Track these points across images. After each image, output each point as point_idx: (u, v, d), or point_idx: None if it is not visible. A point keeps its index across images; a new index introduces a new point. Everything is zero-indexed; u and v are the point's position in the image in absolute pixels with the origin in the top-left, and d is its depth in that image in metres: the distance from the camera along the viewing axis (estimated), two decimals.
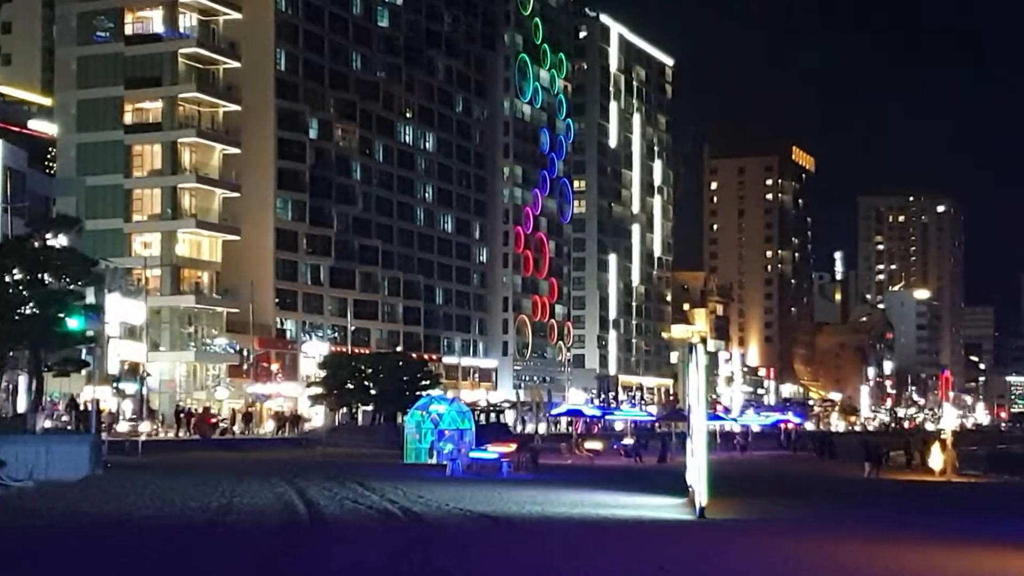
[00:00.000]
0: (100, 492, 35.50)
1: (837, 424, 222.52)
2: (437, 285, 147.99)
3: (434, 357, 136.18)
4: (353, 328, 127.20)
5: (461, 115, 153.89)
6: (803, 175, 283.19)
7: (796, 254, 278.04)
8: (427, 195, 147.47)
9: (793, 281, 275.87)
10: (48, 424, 62.27)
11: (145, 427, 77.15)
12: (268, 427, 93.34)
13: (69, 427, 66.62)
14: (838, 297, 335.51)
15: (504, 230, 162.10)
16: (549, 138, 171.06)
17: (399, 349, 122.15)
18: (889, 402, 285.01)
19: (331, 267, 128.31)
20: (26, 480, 37.21)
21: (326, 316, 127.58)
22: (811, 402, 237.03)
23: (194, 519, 28.63)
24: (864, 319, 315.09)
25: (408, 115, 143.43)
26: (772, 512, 34.76)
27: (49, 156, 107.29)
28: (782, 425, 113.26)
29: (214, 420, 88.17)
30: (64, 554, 22.61)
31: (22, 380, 65.65)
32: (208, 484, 38.95)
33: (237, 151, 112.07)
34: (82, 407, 74.65)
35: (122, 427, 75.35)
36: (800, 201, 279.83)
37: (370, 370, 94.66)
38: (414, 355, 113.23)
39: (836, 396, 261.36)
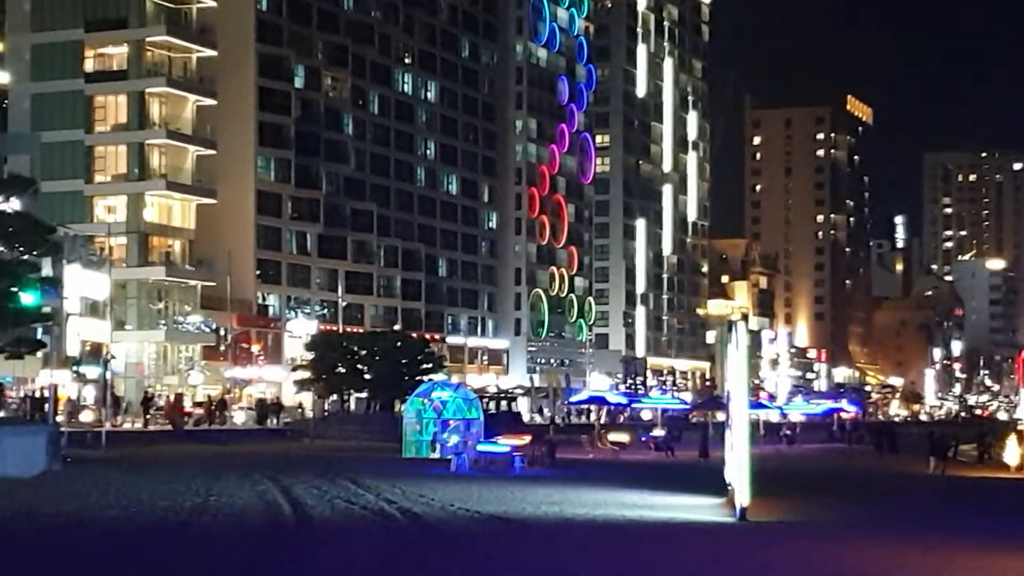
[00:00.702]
0: (58, 490, 35.65)
1: (898, 413, 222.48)
2: (440, 255, 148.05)
3: (437, 337, 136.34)
4: (345, 304, 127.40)
5: (467, 61, 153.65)
6: (859, 128, 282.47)
7: (851, 219, 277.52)
8: (429, 152, 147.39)
9: (847, 249, 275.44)
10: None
11: (102, 417, 77.23)
12: (239, 418, 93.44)
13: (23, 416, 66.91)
14: (899, 268, 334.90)
15: (516, 192, 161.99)
16: (568, 87, 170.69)
17: (397, 328, 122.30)
18: (958, 388, 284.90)
19: (319, 235, 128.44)
20: None
21: (314, 290, 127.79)
22: (868, 388, 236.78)
23: (165, 520, 28.75)
24: (929, 293, 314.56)
25: (407, 61, 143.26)
26: (823, 514, 34.80)
27: (0, 108, 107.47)
28: (835, 415, 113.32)
29: (187, 409, 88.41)
30: (17, 560, 22.71)
31: None
32: (180, 481, 39.10)
33: (213, 103, 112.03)
34: (37, 394, 74.98)
35: (85, 417, 75.59)
36: (856, 158, 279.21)
37: (364, 352, 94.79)
38: (414, 335, 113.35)
39: (897, 381, 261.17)
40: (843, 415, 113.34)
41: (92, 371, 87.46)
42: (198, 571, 21.25)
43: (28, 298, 53.60)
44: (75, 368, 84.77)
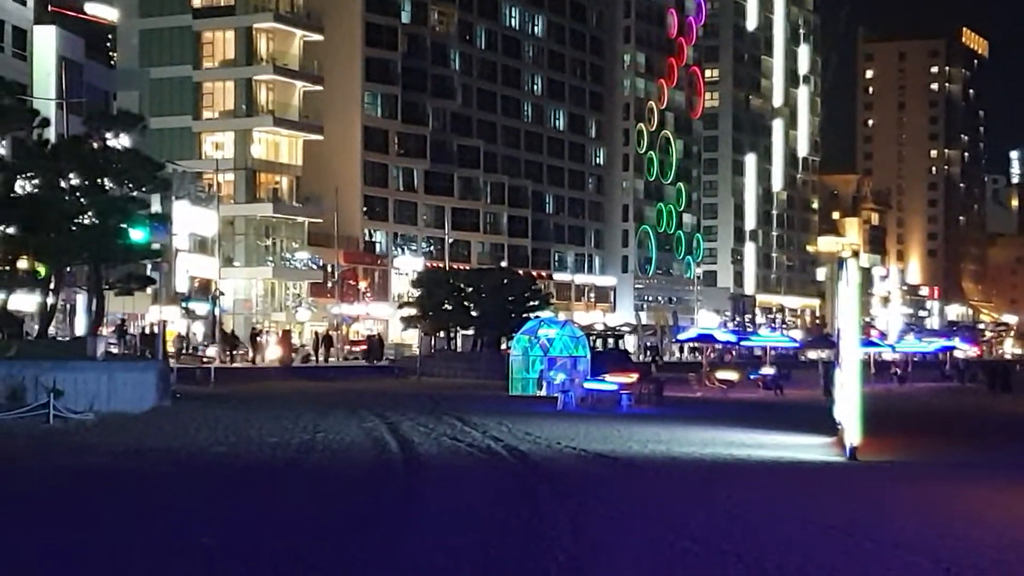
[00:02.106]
0: (168, 426, 36.13)
1: (1013, 351, 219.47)
2: (547, 191, 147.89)
3: (543, 274, 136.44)
4: (451, 241, 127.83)
5: None
6: (975, 61, 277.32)
7: (966, 153, 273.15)
8: (536, 87, 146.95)
9: (962, 185, 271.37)
10: (115, 350, 63.48)
11: (216, 352, 78.26)
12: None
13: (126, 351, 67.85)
14: (1015, 204, 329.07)
15: (624, 127, 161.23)
16: (677, 20, 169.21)
17: (503, 265, 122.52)
18: None
19: (426, 171, 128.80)
20: (86, 412, 37.97)
21: (420, 227, 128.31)
22: (982, 326, 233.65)
23: (273, 457, 29.02)
24: None
25: None
26: (934, 454, 34.39)
27: (109, 44, 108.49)
28: (948, 353, 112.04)
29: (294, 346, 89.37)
30: (127, 495, 23.03)
31: (81, 299, 66.96)
32: (288, 418, 39.46)
33: (320, 38, 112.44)
34: (148, 330, 76.05)
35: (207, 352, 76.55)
36: (971, 92, 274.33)
37: (470, 289, 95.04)
38: (520, 271, 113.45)
39: (1012, 319, 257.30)
40: (956, 354, 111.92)
41: (201, 308, 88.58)
42: (307, 509, 21.41)
43: (137, 235, 54.16)
44: (184, 305, 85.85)
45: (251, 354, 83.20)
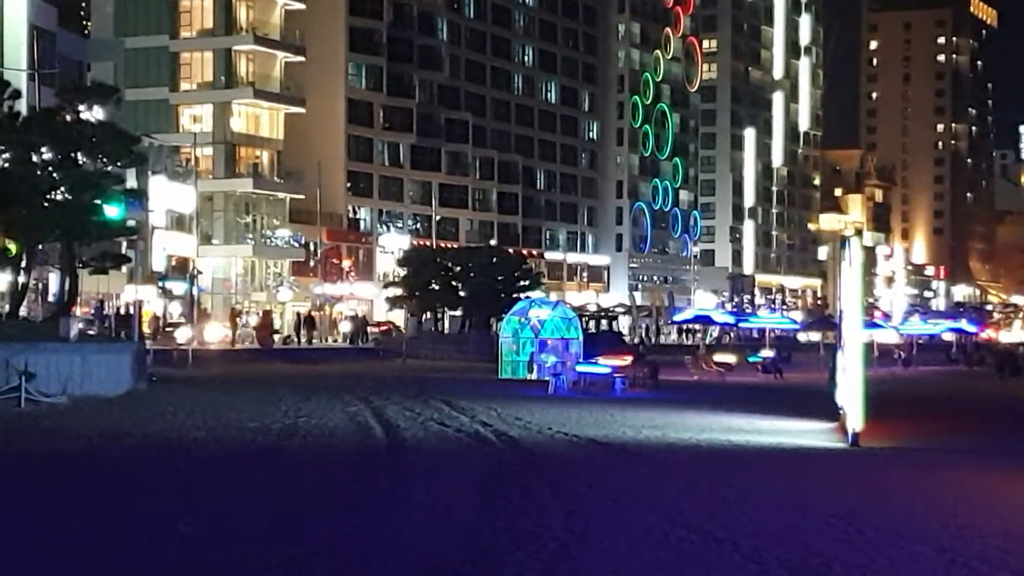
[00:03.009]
0: (144, 409, 36.16)
1: (1021, 334, 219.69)
2: (538, 167, 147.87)
3: (534, 252, 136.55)
4: (438, 218, 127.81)
5: None
6: (983, 31, 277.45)
7: (973, 128, 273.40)
8: (526, 59, 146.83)
9: (969, 160, 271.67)
10: (93, 331, 63.46)
11: (191, 333, 78.16)
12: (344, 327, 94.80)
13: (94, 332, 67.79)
14: None
15: (618, 100, 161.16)
16: None
17: (493, 243, 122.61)
18: None
19: (412, 145, 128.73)
20: (59, 395, 38.01)
21: (406, 204, 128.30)
22: (989, 307, 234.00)
23: (253, 443, 29.08)
24: None
25: None
26: (940, 440, 34.49)
27: (82, 13, 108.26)
28: (954, 335, 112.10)
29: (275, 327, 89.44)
30: (102, 481, 23.06)
31: (53, 278, 66.93)
32: (269, 401, 39.52)
33: (302, 7, 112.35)
34: (123, 310, 76.04)
35: (180, 334, 76.44)
36: (979, 63, 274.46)
37: (459, 268, 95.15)
38: (511, 250, 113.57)
39: (1021, 300, 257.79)
40: (963, 336, 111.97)
41: (178, 287, 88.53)
42: (288, 497, 21.46)
43: (112, 211, 54.10)
44: (161, 284, 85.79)
45: (229, 335, 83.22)
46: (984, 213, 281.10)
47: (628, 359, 57.67)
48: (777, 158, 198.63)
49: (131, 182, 68.01)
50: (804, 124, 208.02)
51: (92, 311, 75.34)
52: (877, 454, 30.13)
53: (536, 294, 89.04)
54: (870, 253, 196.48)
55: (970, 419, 43.15)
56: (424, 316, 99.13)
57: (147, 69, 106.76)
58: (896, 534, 18.57)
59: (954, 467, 28.31)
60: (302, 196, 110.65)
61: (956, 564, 16.61)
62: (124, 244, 70.25)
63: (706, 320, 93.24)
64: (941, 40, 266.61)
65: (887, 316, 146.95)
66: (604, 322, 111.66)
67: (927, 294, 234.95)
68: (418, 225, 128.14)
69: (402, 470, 24.85)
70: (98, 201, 52.82)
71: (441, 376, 58.69)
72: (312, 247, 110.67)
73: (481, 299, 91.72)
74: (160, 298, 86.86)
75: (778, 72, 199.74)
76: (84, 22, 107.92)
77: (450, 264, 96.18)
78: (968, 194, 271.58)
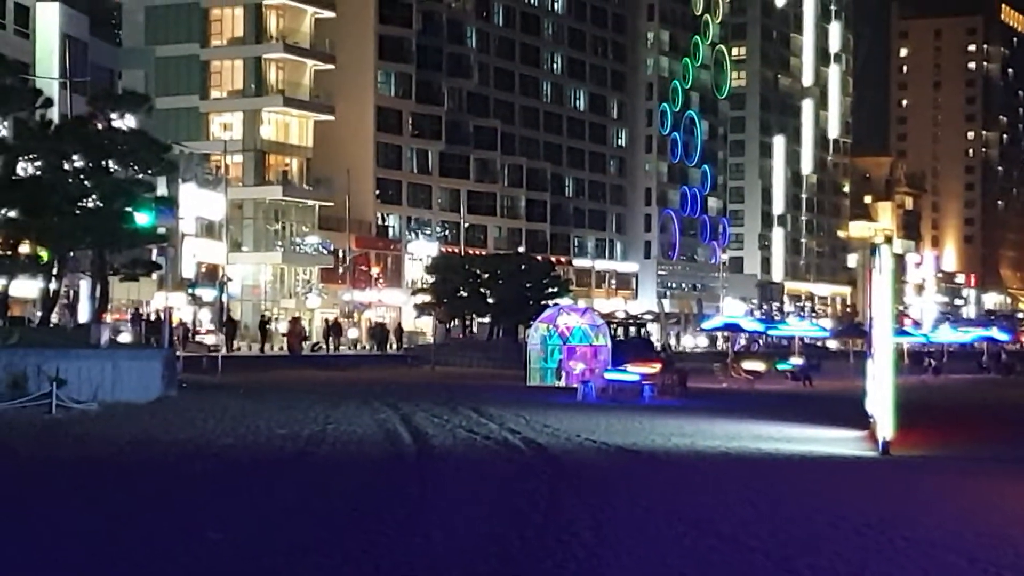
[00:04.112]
0: (174, 416, 36.20)
1: None
2: (566, 174, 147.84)
3: (563, 259, 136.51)
4: (467, 225, 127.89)
5: None
6: (1014, 39, 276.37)
7: (1004, 135, 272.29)
8: (555, 66, 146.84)
9: (1000, 168, 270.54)
10: (129, 338, 63.68)
11: (220, 340, 78.34)
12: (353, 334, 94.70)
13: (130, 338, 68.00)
14: None
15: (647, 108, 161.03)
16: None
17: (521, 250, 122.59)
18: None
19: (441, 152, 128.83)
20: (90, 402, 38.08)
21: (435, 211, 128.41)
22: (1021, 315, 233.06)
23: (282, 449, 29.07)
24: None
25: None
26: (971, 449, 34.29)
27: (114, 22, 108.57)
28: (985, 343, 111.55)
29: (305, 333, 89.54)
30: (132, 487, 23.08)
31: (84, 285, 67.12)
32: (298, 408, 39.52)
33: (331, 15, 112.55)
34: (153, 316, 76.25)
35: (209, 340, 76.63)
36: (1010, 71, 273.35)
37: (487, 275, 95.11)
38: (539, 257, 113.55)
39: None
40: (994, 344, 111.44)
41: (208, 294, 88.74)
42: (316, 504, 21.45)
43: (143, 218, 54.27)
44: (190, 291, 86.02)
45: (261, 342, 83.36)
46: (1015, 221, 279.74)
47: (657, 366, 57.58)
48: (806, 165, 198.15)
49: (162, 190, 68.27)
50: (834, 131, 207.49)
51: (129, 318, 75.69)
52: (908, 463, 29.97)
53: (564, 301, 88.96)
54: (900, 261, 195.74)
55: (1001, 428, 42.91)
56: (452, 323, 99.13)
57: (178, 77, 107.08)
58: (928, 543, 18.45)
59: (986, 476, 28.14)
60: (331, 203, 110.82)
61: (988, 574, 16.50)
62: (155, 251, 70.51)
63: (735, 328, 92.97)
64: (972, 47, 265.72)
65: (917, 324, 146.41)
66: (633, 329, 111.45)
67: (957, 302, 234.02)
68: (447, 232, 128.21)
69: (430, 477, 24.81)
70: (129, 209, 52.97)
71: (469, 383, 58.65)
72: (341, 254, 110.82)
73: (509, 306, 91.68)
74: (190, 305, 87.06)
75: (807, 79, 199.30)
76: (116, 31, 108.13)
77: (478, 271, 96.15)
78: (999, 202, 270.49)
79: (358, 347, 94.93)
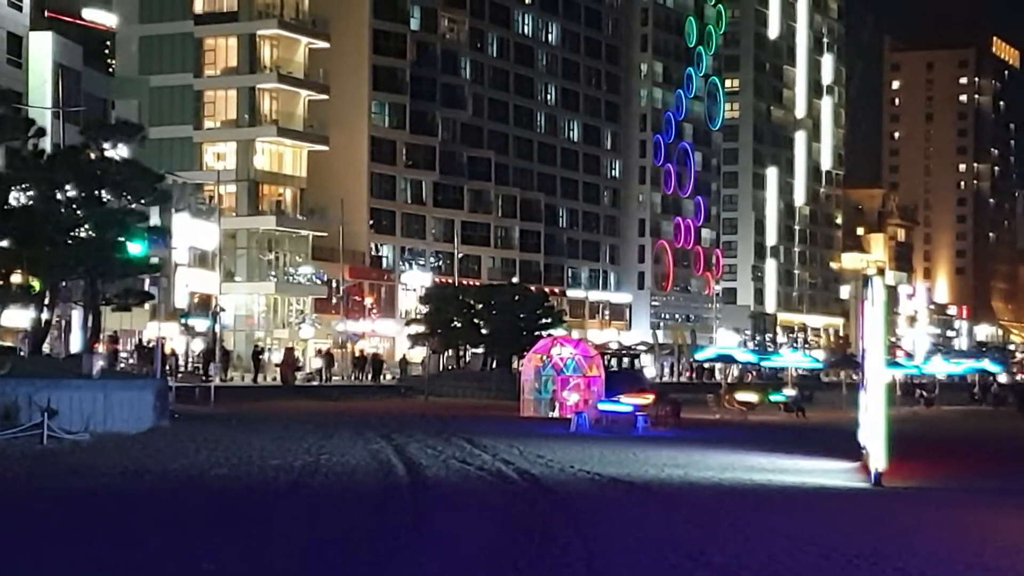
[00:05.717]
0: (166, 447, 36.13)
1: None
2: (560, 205, 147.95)
3: (556, 290, 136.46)
4: (461, 255, 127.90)
5: (590, 1, 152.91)
6: (1006, 72, 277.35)
7: (996, 167, 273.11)
8: (549, 97, 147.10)
9: (992, 200, 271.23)
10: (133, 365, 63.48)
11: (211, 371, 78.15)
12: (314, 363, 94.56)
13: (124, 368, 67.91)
14: None
15: (641, 139, 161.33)
16: (696, 28, 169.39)
17: (515, 281, 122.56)
18: None
19: (435, 183, 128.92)
20: (81, 432, 37.99)
21: (429, 241, 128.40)
22: (1012, 347, 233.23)
23: (275, 480, 29.01)
24: None
25: (527, 1, 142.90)
26: (964, 480, 34.30)
27: (107, 52, 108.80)
28: (977, 375, 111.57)
29: (299, 364, 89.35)
30: (124, 518, 23.03)
31: (76, 315, 67.00)
32: (291, 439, 39.46)
33: (325, 45, 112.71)
34: (146, 346, 76.12)
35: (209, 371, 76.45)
36: (1001, 103, 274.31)
37: (480, 305, 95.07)
38: (533, 288, 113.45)
39: None
40: (987, 377, 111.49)
41: (201, 324, 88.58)
42: (310, 535, 21.39)
43: (135, 248, 54.18)
44: (183, 320, 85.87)
45: (254, 373, 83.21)
46: (1007, 253, 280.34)
47: (650, 397, 57.56)
48: (799, 197, 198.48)
49: (155, 219, 68.20)
50: (826, 163, 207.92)
51: (133, 348, 75.66)
52: (900, 494, 29.97)
53: (558, 332, 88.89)
54: (892, 292, 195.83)
55: (994, 459, 42.92)
56: (446, 353, 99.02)
57: (171, 107, 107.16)
58: (920, 574, 18.43)
59: (978, 508, 28.13)
60: (325, 233, 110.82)
61: None
62: (147, 281, 70.34)
63: (728, 359, 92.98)
64: (963, 80, 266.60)
65: (910, 355, 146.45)
66: (626, 360, 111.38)
67: (949, 333, 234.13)
68: (440, 263, 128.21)
69: (424, 508, 24.77)
70: (122, 238, 52.93)
71: (463, 414, 58.58)
72: (335, 284, 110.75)
73: (503, 337, 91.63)
74: (183, 335, 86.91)
75: (800, 111, 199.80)
76: (109, 60, 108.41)
77: (472, 302, 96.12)
78: (991, 234, 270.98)
79: (351, 377, 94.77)
